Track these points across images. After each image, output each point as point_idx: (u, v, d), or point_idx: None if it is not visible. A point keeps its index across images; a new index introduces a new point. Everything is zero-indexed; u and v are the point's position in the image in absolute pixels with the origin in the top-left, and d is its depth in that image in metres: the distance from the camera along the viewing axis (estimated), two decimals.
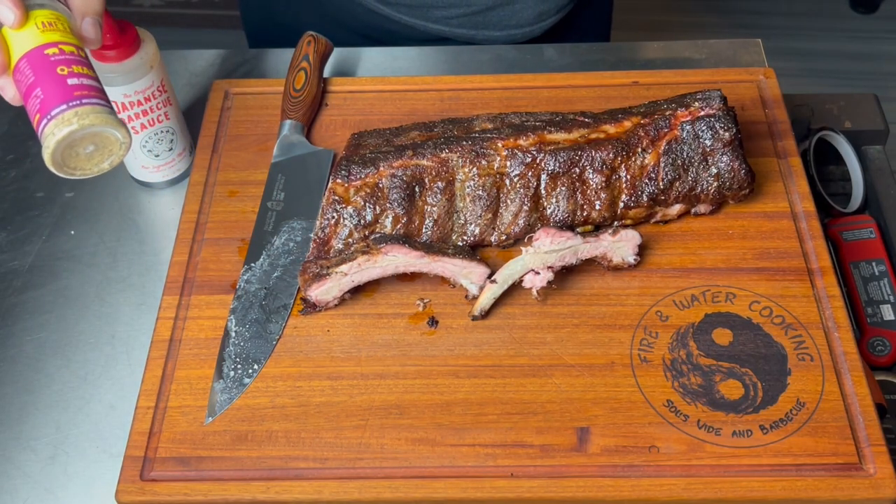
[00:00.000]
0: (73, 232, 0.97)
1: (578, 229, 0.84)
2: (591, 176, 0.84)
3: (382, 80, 1.01)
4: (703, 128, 0.83)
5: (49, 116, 0.65)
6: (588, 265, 0.83)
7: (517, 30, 1.15)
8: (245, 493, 0.72)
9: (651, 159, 0.84)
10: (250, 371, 0.79)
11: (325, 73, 1.03)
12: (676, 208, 0.86)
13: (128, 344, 0.89)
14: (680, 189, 0.84)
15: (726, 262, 0.84)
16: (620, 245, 0.82)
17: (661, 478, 0.72)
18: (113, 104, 0.90)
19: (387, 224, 0.83)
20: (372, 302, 0.83)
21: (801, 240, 0.85)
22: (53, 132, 0.65)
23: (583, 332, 0.80)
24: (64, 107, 0.65)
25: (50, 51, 0.67)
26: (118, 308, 0.92)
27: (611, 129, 0.85)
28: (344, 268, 0.79)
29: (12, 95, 0.69)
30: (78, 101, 0.66)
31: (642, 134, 0.84)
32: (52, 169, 0.67)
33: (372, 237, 0.82)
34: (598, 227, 0.85)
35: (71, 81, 0.66)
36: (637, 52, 1.13)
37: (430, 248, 0.81)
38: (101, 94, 0.68)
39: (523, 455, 0.73)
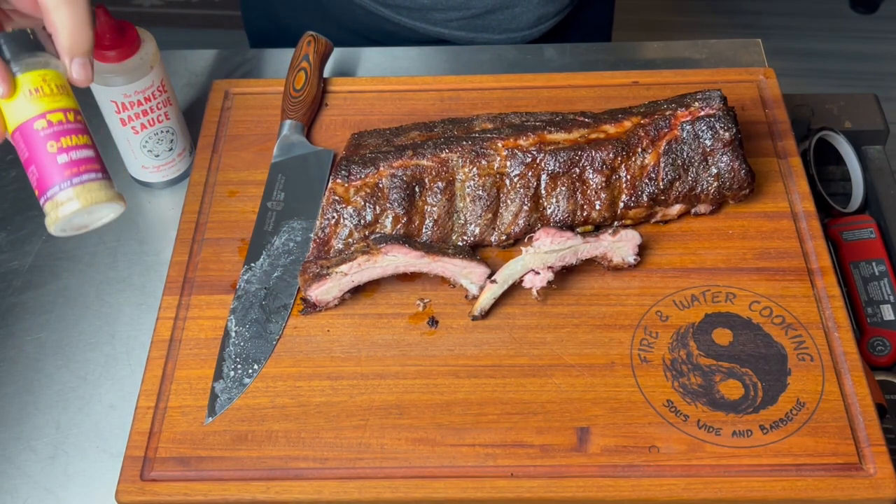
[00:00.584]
0: None
1: (578, 229, 0.84)
2: (591, 176, 0.84)
3: (382, 80, 1.01)
4: (703, 128, 0.83)
5: (45, 197, 0.67)
6: (588, 265, 0.83)
7: (517, 33, 1.15)
8: (245, 493, 0.72)
9: (651, 159, 0.84)
10: (250, 371, 0.79)
11: (325, 73, 1.03)
12: (676, 208, 0.86)
13: (128, 344, 0.89)
14: (680, 189, 0.84)
15: (726, 262, 0.84)
16: (620, 245, 0.82)
17: (661, 478, 0.72)
18: (112, 104, 0.90)
19: (387, 224, 0.83)
20: (372, 302, 0.83)
21: (801, 240, 0.85)
22: (50, 213, 0.66)
23: (583, 332, 0.80)
24: (56, 188, 0.66)
25: (38, 124, 0.67)
26: (118, 308, 0.92)
27: (611, 129, 0.85)
28: (344, 268, 0.79)
29: None
30: (69, 182, 0.66)
31: (642, 134, 0.84)
32: (58, 235, 0.69)
33: (372, 237, 0.82)
34: (598, 227, 0.85)
35: (61, 159, 0.66)
36: (637, 52, 1.13)
37: (430, 248, 0.81)
38: (93, 163, 0.68)
39: (523, 455, 0.73)
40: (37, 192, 0.68)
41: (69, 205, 0.66)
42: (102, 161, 0.70)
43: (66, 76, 0.69)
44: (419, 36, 1.17)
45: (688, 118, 0.84)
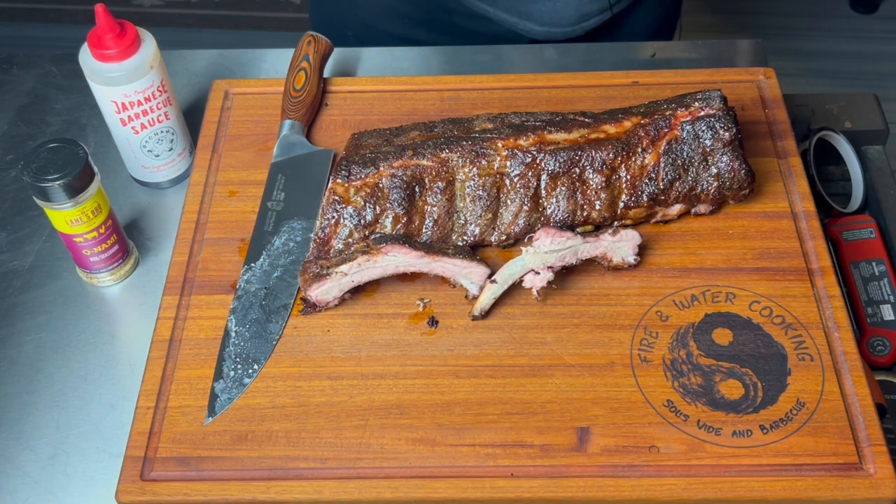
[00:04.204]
0: None
1: (578, 229, 0.84)
2: (591, 176, 0.84)
3: (382, 80, 1.01)
4: (703, 128, 0.83)
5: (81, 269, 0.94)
6: (588, 265, 0.83)
7: (558, 28, 1.13)
8: (245, 493, 0.72)
9: (651, 159, 0.84)
10: (250, 371, 0.79)
11: (325, 73, 1.03)
12: (676, 208, 0.86)
13: (128, 344, 0.89)
14: (680, 189, 0.84)
15: (726, 262, 0.84)
16: (620, 245, 0.82)
17: (661, 478, 0.72)
18: (112, 104, 0.90)
19: (387, 224, 0.83)
20: (372, 302, 0.83)
21: (801, 240, 0.85)
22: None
23: (583, 332, 0.80)
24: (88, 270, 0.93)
25: (77, 240, 0.88)
26: (118, 308, 0.92)
27: (611, 129, 0.85)
28: (344, 268, 0.79)
29: None
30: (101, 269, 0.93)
31: (642, 134, 0.84)
32: None
33: (372, 237, 0.82)
34: (598, 227, 0.85)
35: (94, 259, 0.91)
36: (637, 52, 1.13)
37: (430, 248, 0.81)
38: (118, 253, 0.92)
39: (523, 455, 0.73)
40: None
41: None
42: (122, 234, 0.91)
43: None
44: (465, 9, 1.15)
45: (688, 118, 0.84)
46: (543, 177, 0.84)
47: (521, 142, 0.84)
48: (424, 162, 0.83)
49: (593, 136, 0.85)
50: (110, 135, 0.98)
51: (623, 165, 0.83)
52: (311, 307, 0.82)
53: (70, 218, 0.85)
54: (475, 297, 0.81)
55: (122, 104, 0.91)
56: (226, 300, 0.83)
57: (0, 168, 1.03)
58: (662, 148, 0.84)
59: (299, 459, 0.74)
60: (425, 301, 0.82)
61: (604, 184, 0.83)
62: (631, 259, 0.83)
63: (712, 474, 0.72)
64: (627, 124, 0.85)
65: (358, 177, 0.83)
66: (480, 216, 0.84)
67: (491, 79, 1.00)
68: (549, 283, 0.80)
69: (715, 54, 1.11)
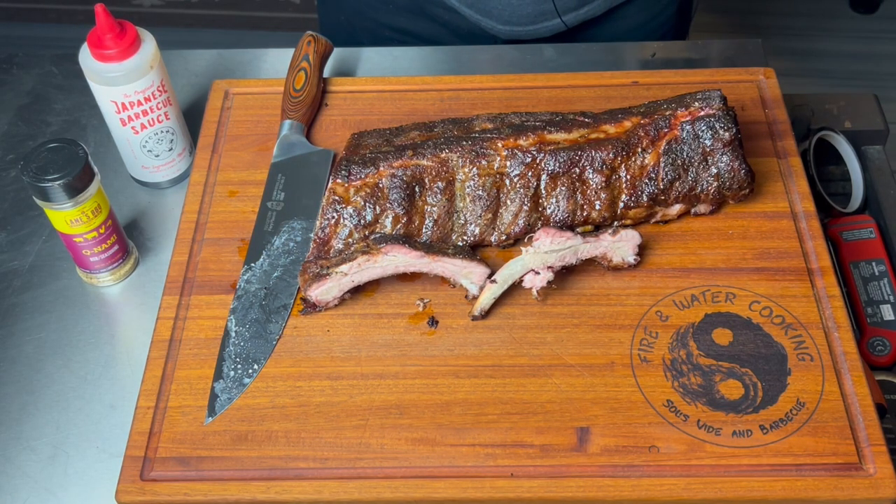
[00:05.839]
0: None
1: (578, 229, 0.84)
2: (591, 176, 0.84)
3: (382, 80, 1.01)
4: (703, 128, 0.83)
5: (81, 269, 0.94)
6: (588, 265, 0.83)
7: (519, 27, 1.14)
8: (245, 493, 0.72)
9: (651, 159, 0.84)
10: (250, 371, 0.79)
11: (325, 73, 1.03)
12: (676, 208, 0.86)
13: (128, 344, 0.89)
14: (680, 189, 0.84)
15: (726, 262, 0.84)
16: (620, 245, 0.82)
17: (661, 478, 0.72)
18: (112, 104, 0.90)
19: (387, 224, 0.83)
20: (372, 302, 0.83)
21: (801, 240, 0.85)
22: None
23: (583, 332, 0.80)
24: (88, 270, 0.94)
25: (77, 240, 0.88)
26: (118, 308, 0.92)
27: (611, 129, 0.85)
28: (344, 268, 0.79)
29: None
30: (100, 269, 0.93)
31: (642, 134, 0.84)
32: None
33: (372, 237, 0.82)
34: (598, 227, 0.85)
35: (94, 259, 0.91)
36: (637, 52, 1.13)
37: (430, 248, 0.81)
38: (118, 253, 0.92)
39: (523, 455, 0.73)
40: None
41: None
42: (122, 234, 0.91)
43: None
44: (440, 1, 1.15)
45: (688, 118, 0.84)
46: (543, 177, 0.84)
47: (521, 142, 0.84)
48: (424, 162, 0.83)
49: (593, 136, 0.85)
50: (110, 135, 0.98)
51: (623, 165, 0.83)
52: (311, 307, 0.82)
53: (70, 218, 0.85)
54: (475, 297, 0.81)
55: (122, 104, 0.91)
56: (226, 300, 0.83)
57: (0, 168, 1.03)
58: (662, 148, 0.84)
59: (299, 459, 0.74)
60: (425, 301, 0.82)
61: (604, 184, 0.83)
62: (631, 259, 0.83)
63: (712, 474, 0.72)
64: (627, 124, 0.85)
65: (358, 177, 0.83)
66: (480, 216, 0.84)
67: (491, 79, 1.00)
68: (549, 283, 0.80)
69: (715, 54, 1.11)
